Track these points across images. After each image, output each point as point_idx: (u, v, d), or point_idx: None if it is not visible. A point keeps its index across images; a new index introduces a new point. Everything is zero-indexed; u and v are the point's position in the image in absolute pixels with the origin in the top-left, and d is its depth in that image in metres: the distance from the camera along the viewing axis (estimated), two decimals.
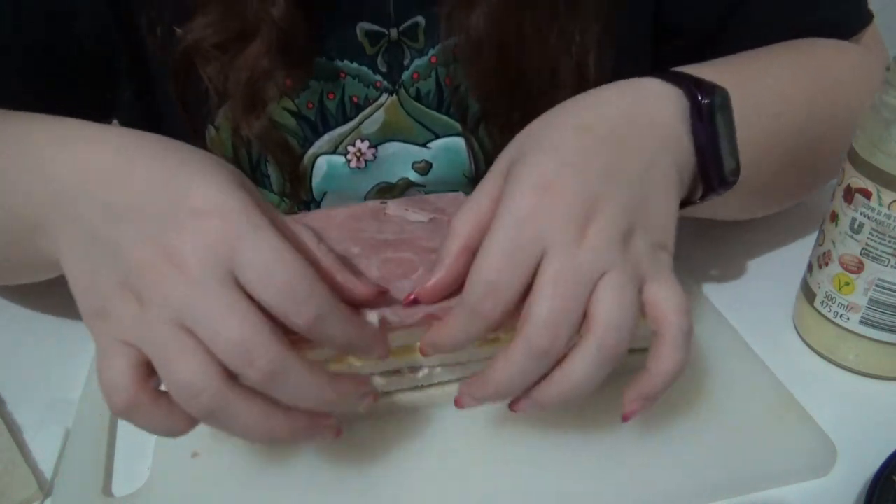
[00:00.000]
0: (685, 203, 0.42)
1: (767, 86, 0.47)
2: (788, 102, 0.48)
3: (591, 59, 0.50)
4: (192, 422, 0.33)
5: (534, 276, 0.34)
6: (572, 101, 0.41)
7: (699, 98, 0.40)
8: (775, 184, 0.51)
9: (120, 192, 0.33)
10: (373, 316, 0.37)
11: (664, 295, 0.35)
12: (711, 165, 0.40)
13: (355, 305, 0.37)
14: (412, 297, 0.37)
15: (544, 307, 0.33)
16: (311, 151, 0.54)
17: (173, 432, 0.33)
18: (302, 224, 0.37)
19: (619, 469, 0.39)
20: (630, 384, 0.36)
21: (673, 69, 0.43)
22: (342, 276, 0.36)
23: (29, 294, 0.54)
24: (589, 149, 0.37)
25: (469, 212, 0.37)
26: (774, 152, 0.47)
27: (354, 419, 0.42)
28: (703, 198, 0.42)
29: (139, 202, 0.32)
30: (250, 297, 0.31)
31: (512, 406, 0.37)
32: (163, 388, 0.32)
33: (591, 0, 0.49)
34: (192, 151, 0.35)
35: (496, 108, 0.52)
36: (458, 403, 0.37)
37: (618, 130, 0.38)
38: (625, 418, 0.37)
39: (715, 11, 0.55)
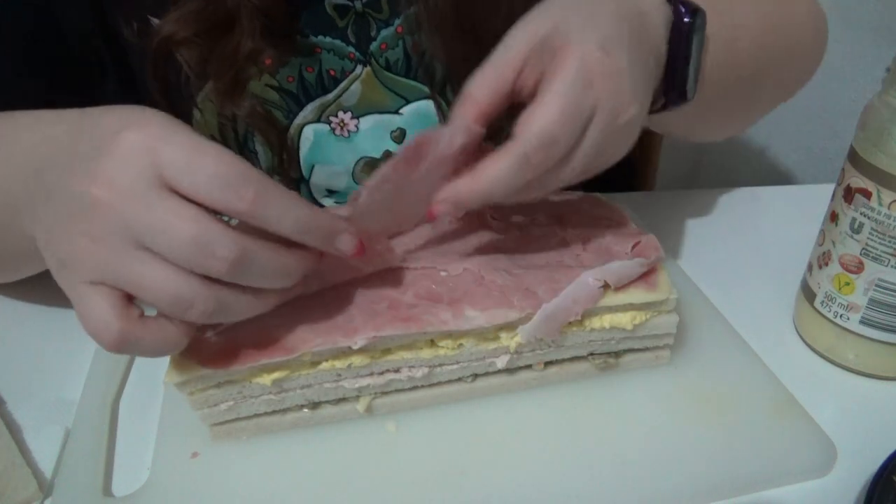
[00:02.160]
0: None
1: (728, 13, 0.50)
2: (745, 25, 0.51)
3: None
4: (189, 329, 0.34)
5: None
6: None
7: (683, 16, 0.43)
8: (730, 102, 0.54)
9: (60, 147, 0.35)
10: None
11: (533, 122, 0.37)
12: (676, 80, 0.44)
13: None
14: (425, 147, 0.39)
15: (582, 157, 0.37)
16: (296, 122, 0.55)
17: (174, 347, 0.34)
18: None
19: (620, 469, 0.39)
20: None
21: None
22: None
23: (29, 294, 0.54)
24: (623, 31, 0.40)
25: (488, 78, 0.39)
26: (730, 72, 0.50)
27: (355, 418, 0.42)
28: (658, 111, 0.45)
29: (70, 147, 0.34)
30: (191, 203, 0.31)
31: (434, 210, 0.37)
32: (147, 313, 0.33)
33: None
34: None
35: (461, 68, 0.53)
36: (432, 213, 0.37)
37: (635, 22, 0.41)
38: (430, 215, 0.38)
39: None
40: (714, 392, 0.44)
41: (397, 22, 0.53)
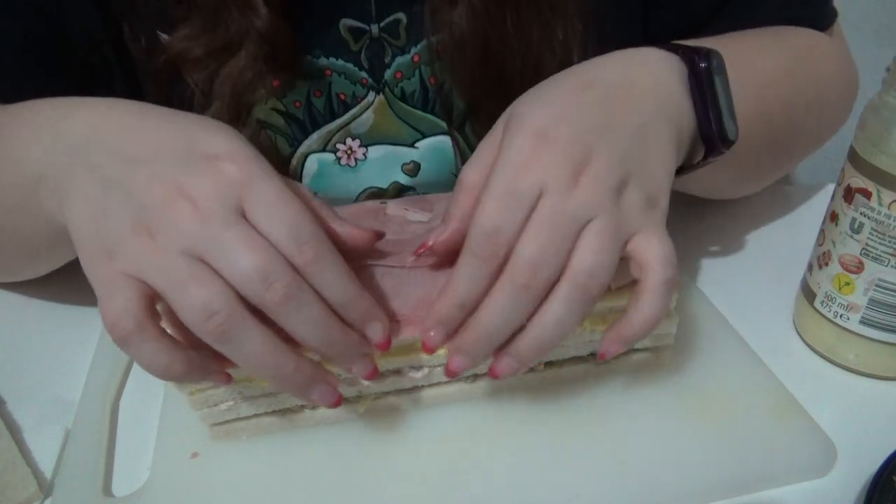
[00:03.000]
0: (684, 168, 0.43)
1: (752, 63, 0.49)
2: (771, 80, 0.50)
3: (574, 56, 0.51)
4: (190, 364, 0.33)
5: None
6: (574, 67, 0.42)
7: (697, 62, 0.41)
8: (760, 158, 0.52)
9: (134, 141, 0.35)
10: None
11: (649, 245, 0.36)
12: (712, 125, 0.41)
13: (354, 256, 0.39)
14: (426, 245, 0.39)
15: (528, 246, 0.34)
16: (300, 150, 0.54)
17: (170, 371, 0.33)
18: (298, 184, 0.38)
19: (620, 469, 0.39)
20: (610, 326, 0.38)
21: (670, 42, 0.44)
22: (339, 226, 0.38)
23: (30, 294, 0.54)
24: (585, 104, 0.38)
25: (476, 164, 0.39)
26: (759, 125, 0.48)
27: (354, 418, 0.42)
28: (703, 160, 0.43)
29: (154, 148, 0.34)
30: None
31: (492, 371, 0.37)
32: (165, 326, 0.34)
33: None
34: (197, 115, 0.37)
35: (481, 105, 0.53)
36: (449, 367, 0.37)
37: (615, 90, 0.39)
38: (601, 357, 0.38)
39: (703, 9, 0.56)
40: (714, 392, 0.44)
41: (414, 51, 0.52)
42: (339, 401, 0.37)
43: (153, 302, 0.33)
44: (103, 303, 0.32)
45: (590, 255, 0.34)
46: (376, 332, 0.37)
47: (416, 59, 0.52)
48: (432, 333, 0.37)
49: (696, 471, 0.39)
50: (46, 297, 0.53)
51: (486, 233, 0.34)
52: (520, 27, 0.50)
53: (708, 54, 0.41)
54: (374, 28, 0.51)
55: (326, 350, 0.35)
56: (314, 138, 0.54)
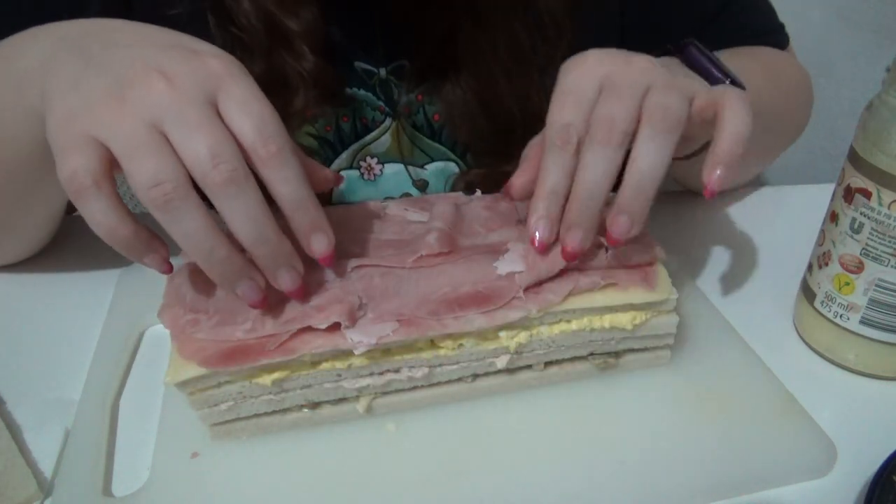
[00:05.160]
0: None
1: (742, 72, 0.52)
2: (759, 86, 0.53)
3: None
4: (136, 232, 0.34)
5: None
6: None
7: (685, 45, 0.46)
8: (749, 153, 0.57)
9: (126, 33, 0.37)
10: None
11: (715, 90, 0.40)
12: (726, 78, 0.44)
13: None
14: (509, 186, 0.43)
15: (601, 109, 0.38)
16: (333, 167, 0.60)
17: (116, 232, 0.34)
18: None
19: (620, 469, 0.39)
20: (704, 161, 0.39)
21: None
22: (310, 162, 0.40)
23: (30, 294, 0.54)
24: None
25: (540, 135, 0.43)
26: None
27: (355, 418, 0.42)
28: None
29: (143, 38, 0.37)
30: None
31: (609, 238, 0.40)
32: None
33: (559, 53, 0.55)
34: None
35: (480, 141, 0.59)
36: (567, 249, 0.39)
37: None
38: (709, 194, 0.39)
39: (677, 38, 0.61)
40: (714, 392, 0.44)
41: (417, 91, 0.58)
42: (263, 300, 0.37)
43: (111, 166, 0.33)
44: (62, 158, 0.33)
45: (659, 96, 0.37)
46: (321, 242, 0.37)
47: (419, 97, 0.58)
48: (538, 230, 0.39)
49: (696, 471, 0.39)
50: (46, 297, 0.53)
51: (559, 127, 0.38)
52: (512, 87, 0.55)
53: (691, 40, 0.46)
54: (383, 71, 0.57)
55: (256, 248, 0.35)
56: (343, 157, 0.60)
